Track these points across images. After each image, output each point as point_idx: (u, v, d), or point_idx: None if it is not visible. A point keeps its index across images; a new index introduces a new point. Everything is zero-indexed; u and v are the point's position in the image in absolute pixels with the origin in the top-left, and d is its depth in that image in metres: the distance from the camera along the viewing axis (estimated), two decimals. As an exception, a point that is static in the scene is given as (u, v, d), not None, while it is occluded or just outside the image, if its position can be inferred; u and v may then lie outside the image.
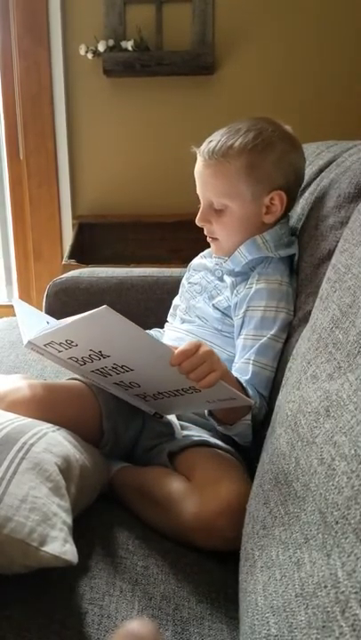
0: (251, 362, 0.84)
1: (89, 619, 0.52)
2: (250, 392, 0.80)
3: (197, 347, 0.69)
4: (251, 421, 0.79)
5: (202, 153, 0.90)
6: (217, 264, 0.99)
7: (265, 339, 0.84)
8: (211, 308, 0.94)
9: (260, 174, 0.87)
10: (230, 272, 0.94)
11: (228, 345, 0.91)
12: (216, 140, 0.89)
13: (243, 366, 0.84)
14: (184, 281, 1.07)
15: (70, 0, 2.00)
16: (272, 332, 0.85)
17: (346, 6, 1.93)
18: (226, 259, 0.95)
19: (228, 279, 0.95)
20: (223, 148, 0.87)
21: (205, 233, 0.96)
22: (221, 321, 0.92)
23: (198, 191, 0.94)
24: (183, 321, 0.99)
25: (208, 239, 0.97)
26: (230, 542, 0.61)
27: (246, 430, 0.79)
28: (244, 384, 0.80)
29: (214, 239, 0.95)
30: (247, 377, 0.83)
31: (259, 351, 0.84)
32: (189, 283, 1.04)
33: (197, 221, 0.94)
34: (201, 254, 1.09)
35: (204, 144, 0.91)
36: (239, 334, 0.88)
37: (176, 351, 0.68)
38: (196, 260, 1.08)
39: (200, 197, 0.94)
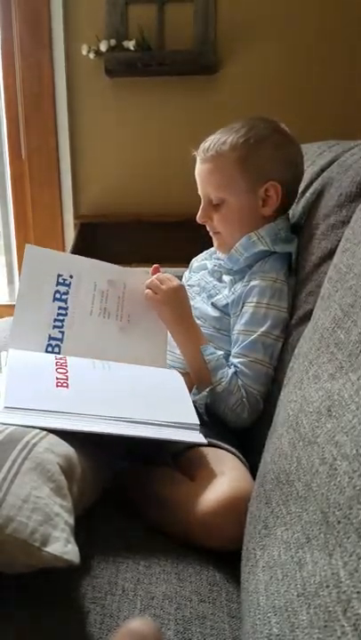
0: (241, 356, 0.87)
1: (91, 618, 0.52)
2: (215, 372, 0.85)
3: (167, 282, 0.89)
4: (208, 398, 0.84)
5: (199, 152, 0.95)
6: (215, 265, 1.01)
7: (255, 335, 0.87)
8: (210, 307, 0.96)
9: (253, 166, 0.90)
10: (229, 271, 0.96)
11: (227, 343, 0.92)
12: (211, 139, 0.94)
13: (233, 360, 0.88)
14: (183, 281, 1.09)
15: (72, 0, 2.00)
16: (263, 329, 0.86)
17: (347, 5, 1.93)
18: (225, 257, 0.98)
19: (226, 278, 0.97)
20: (217, 144, 0.91)
21: (208, 229, 0.99)
22: (220, 320, 0.93)
23: (199, 191, 0.97)
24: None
25: (211, 234, 0.99)
26: (232, 542, 0.61)
27: (201, 400, 0.84)
28: (211, 367, 0.85)
29: (216, 233, 0.97)
30: (237, 369, 0.86)
31: (248, 346, 0.87)
32: (188, 285, 1.05)
33: (198, 219, 0.97)
34: (201, 257, 1.10)
35: (202, 144, 0.95)
36: (233, 330, 0.91)
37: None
38: (196, 263, 1.09)
39: (201, 196, 0.97)
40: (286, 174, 0.93)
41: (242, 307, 0.90)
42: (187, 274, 1.10)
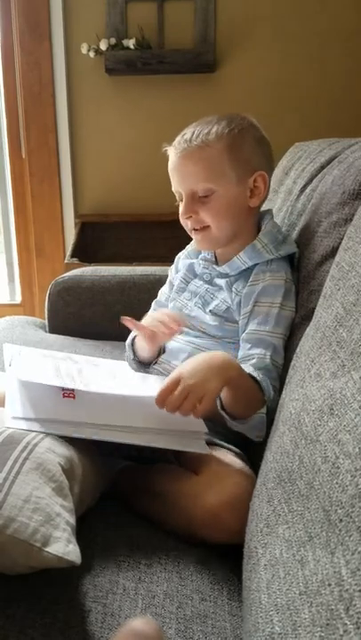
0: (264, 356, 0.82)
1: (92, 617, 0.52)
2: (264, 386, 0.79)
3: (176, 383, 0.71)
4: (265, 414, 0.78)
5: (178, 145, 0.89)
6: (205, 267, 0.96)
7: (272, 336, 0.84)
8: (208, 315, 0.91)
9: (242, 156, 0.88)
10: (224, 275, 0.92)
11: (231, 350, 0.88)
12: (190, 130, 0.89)
13: (258, 362, 0.82)
14: (170, 278, 1.06)
15: (72, -2, 2.00)
16: (273, 328, 0.84)
17: (346, 5, 1.93)
18: (212, 253, 0.95)
19: (220, 281, 0.93)
20: (201, 135, 0.87)
21: (191, 226, 0.92)
22: (220, 327, 0.90)
23: (176, 186, 0.91)
24: (181, 331, 0.94)
25: (194, 233, 0.93)
26: (235, 535, 0.61)
27: (261, 423, 0.79)
28: (260, 380, 0.79)
29: (204, 228, 0.91)
30: (264, 372, 0.81)
31: (269, 346, 0.83)
32: (176, 291, 1.00)
33: (183, 215, 0.90)
34: (183, 255, 1.04)
35: (178, 137, 0.90)
36: (244, 330, 0.87)
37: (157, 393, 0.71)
38: (181, 261, 1.04)
39: (181, 192, 0.90)
40: (269, 167, 0.92)
41: (253, 307, 0.86)
42: (173, 272, 1.05)
